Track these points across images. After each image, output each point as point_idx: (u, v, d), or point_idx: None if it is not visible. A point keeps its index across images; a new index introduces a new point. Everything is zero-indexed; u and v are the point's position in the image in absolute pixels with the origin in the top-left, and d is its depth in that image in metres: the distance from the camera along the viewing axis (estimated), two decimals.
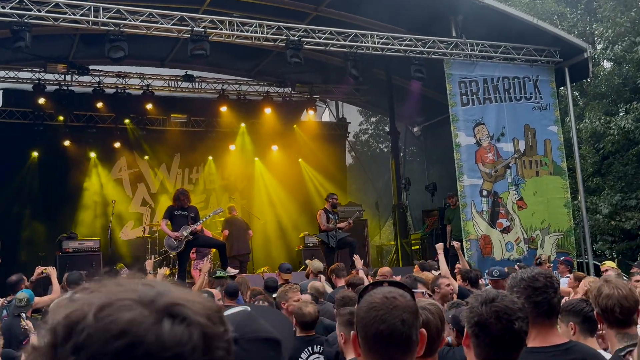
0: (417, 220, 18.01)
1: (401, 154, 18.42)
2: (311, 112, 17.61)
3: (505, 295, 2.22)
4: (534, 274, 2.64)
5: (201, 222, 10.45)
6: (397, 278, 7.24)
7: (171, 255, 12.11)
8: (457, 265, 8.74)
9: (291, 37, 11.40)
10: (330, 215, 11.90)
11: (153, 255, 11.65)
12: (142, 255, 13.84)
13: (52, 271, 7.42)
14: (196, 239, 10.70)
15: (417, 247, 15.92)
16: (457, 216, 12.84)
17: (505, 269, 8.46)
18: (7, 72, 14.71)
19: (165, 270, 7.99)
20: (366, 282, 6.68)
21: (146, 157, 16.33)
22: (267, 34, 11.23)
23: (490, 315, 2.13)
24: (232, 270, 11.15)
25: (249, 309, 1.29)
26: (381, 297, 1.81)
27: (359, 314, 1.83)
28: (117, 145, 15.81)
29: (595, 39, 19.54)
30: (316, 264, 9.25)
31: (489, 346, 2.11)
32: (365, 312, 1.81)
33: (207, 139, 16.81)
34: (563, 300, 3.33)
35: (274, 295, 7.45)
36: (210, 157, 16.94)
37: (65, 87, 15.07)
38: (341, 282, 8.00)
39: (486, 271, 8.59)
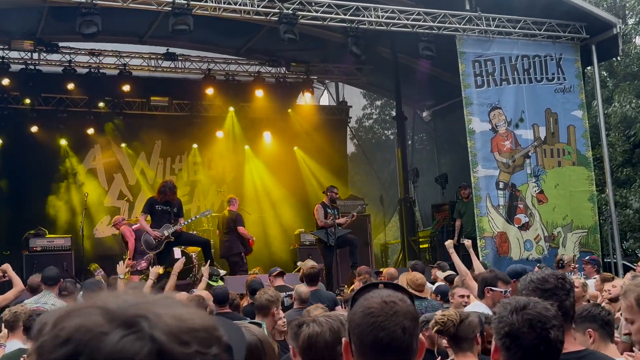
0: (426, 216, 18.01)
1: (409, 142, 18.42)
2: (308, 94, 17.60)
3: (537, 301, 2.22)
4: (545, 275, 2.68)
5: (185, 223, 10.50)
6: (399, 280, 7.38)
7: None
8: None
9: (285, 11, 11.39)
10: (329, 210, 11.96)
11: (125, 258, 11.74)
12: (119, 255, 13.86)
13: (6, 267, 7.65)
14: (180, 237, 10.75)
15: (425, 245, 15.98)
16: (470, 210, 12.90)
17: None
18: None
19: (158, 269, 8.03)
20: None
21: (123, 145, 16.32)
22: (258, 6, 11.23)
23: (523, 325, 2.12)
24: (220, 271, 11.21)
25: None
26: (379, 301, 1.81)
27: (353, 319, 1.82)
28: (90, 131, 15.81)
29: (627, 12, 19.51)
30: (309, 264, 9.37)
31: (522, 359, 2.10)
32: (361, 318, 1.80)
33: (192, 125, 16.80)
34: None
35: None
36: (195, 145, 16.94)
37: (32, 67, 15.04)
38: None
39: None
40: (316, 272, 8.00)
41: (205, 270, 8.38)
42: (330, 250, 11.73)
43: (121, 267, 8.05)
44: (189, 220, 10.70)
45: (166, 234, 10.35)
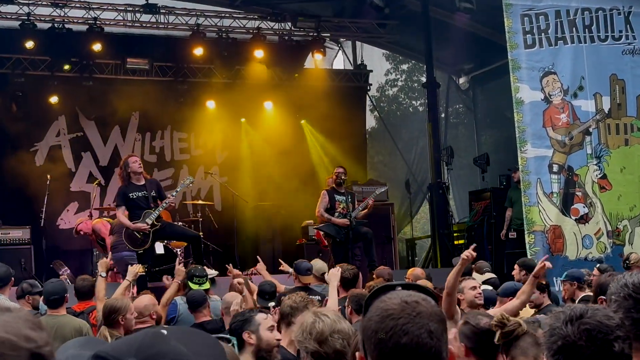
0: (463, 205, 18.02)
1: (442, 115, 18.37)
2: (319, 56, 17.54)
3: (596, 309, 2.22)
4: None
5: (169, 201, 10.57)
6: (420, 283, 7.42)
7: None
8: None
9: None
10: (338, 197, 12.01)
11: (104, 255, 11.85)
12: (89, 249, 13.96)
13: None
14: (164, 230, 10.80)
15: (461, 241, 15.99)
16: (520, 199, 12.89)
17: (584, 272, 8.53)
18: None
19: (137, 268, 8.12)
20: None
21: (93, 117, 16.40)
22: None
23: (580, 337, 2.13)
24: (210, 272, 11.27)
25: (163, 330, 1.43)
26: (399, 302, 1.85)
27: (368, 326, 1.86)
28: (53, 100, 15.85)
29: None
30: (318, 264, 9.42)
31: None
32: (378, 322, 1.84)
33: (176, 93, 16.83)
34: None
35: (272, 304, 7.59)
36: (180, 118, 17.00)
37: None
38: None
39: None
40: (352, 277, 8.01)
41: (178, 272, 8.37)
42: (341, 247, 11.79)
43: (103, 263, 8.04)
44: (173, 195, 10.83)
45: (149, 222, 10.40)
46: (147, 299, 6.82)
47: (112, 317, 6.22)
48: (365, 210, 12.18)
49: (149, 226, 10.39)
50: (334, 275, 7.20)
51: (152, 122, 16.92)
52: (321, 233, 12.89)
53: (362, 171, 18.06)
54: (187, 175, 16.95)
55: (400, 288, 1.96)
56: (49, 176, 13.94)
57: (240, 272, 8.49)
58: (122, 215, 10.59)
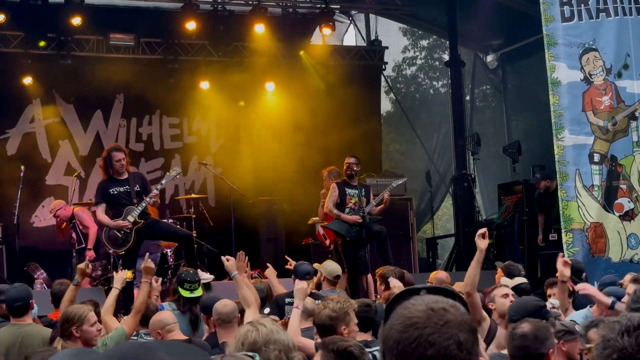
0: (490, 200, 17.93)
1: (467, 97, 18.31)
2: (327, 30, 17.45)
3: None
4: None
5: (153, 196, 10.55)
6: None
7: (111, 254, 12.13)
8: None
9: None
10: (350, 191, 11.92)
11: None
12: (67, 250, 13.84)
13: None
14: (151, 228, 10.72)
15: (489, 240, 15.86)
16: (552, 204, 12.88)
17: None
18: None
19: (126, 274, 8.16)
20: None
21: (72, 101, 16.35)
22: None
23: (639, 349, 2.13)
24: (205, 276, 11.17)
25: (149, 343, 1.46)
26: (424, 309, 1.88)
27: (389, 335, 1.89)
28: (27, 81, 15.77)
29: None
30: (330, 266, 9.50)
31: None
32: (401, 332, 1.86)
33: (166, 73, 16.78)
34: None
35: (266, 310, 7.46)
36: (171, 101, 16.96)
37: None
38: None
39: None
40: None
41: (146, 269, 8.06)
42: (353, 247, 11.76)
43: (81, 270, 7.90)
44: (157, 189, 10.82)
45: (132, 219, 10.45)
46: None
47: (65, 328, 6.10)
48: (381, 206, 12.15)
49: (131, 224, 10.41)
50: (300, 290, 6.83)
51: (138, 106, 16.86)
52: (321, 232, 12.85)
53: (377, 161, 17.97)
54: (178, 166, 16.94)
55: (425, 292, 2.01)
56: (22, 167, 13.81)
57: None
58: (102, 213, 10.68)
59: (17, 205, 13.29)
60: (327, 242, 12.75)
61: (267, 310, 8.01)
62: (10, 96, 15.86)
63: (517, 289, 8.41)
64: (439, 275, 9.83)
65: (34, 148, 16.05)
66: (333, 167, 13.11)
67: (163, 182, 11.15)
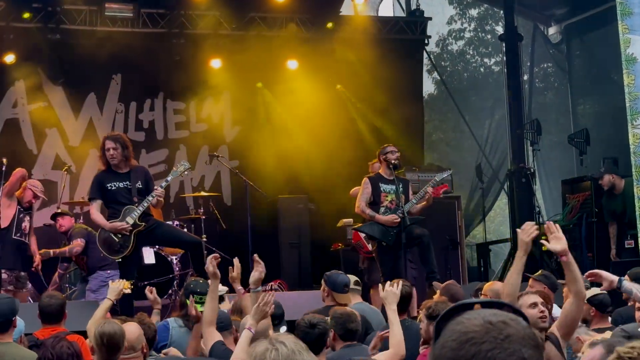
0: (553, 198, 17.84)
1: (525, 77, 18.19)
2: (359, 0, 17.38)
3: None
4: None
5: (156, 194, 10.50)
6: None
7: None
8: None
9: None
10: (385, 187, 11.86)
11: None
12: (55, 258, 13.85)
13: None
14: (153, 232, 10.71)
15: (539, 236, 15.85)
16: (629, 196, 12.81)
17: None
18: None
19: (122, 284, 8.12)
20: None
21: (61, 82, 16.41)
22: None
23: None
24: (220, 288, 11.18)
25: None
26: (480, 322, 1.92)
27: (442, 354, 1.92)
28: (8, 59, 15.81)
29: None
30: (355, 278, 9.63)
31: None
32: (457, 348, 1.90)
33: (170, 49, 16.80)
34: None
35: (283, 328, 7.50)
36: (176, 83, 16.90)
37: None
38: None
39: None
40: (406, 296, 8.01)
41: (113, 287, 8.13)
42: (390, 253, 11.71)
43: (117, 289, 8.03)
44: (162, 187, 10.77)
45: (131, 221, 10.42)
46: (136, 328, 6.68)
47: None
48: (423, 203, 12.03)
49: (130, 226, 10.37)
50: (391, 294, 7.09)
51: (138, 88, 16.93)
52: (362, 235, 12.74)
53: (418, 152, 17.92)
54: (184, 159, 16.93)
55: (479, 307, 2.03)
56: (4, 160, 13.83)
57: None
58: (96, 211, 10.61)
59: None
60: (370, 245, 12.66)
61: (283, 328, 7.98)
62: None
63: (594, 301, 8.38)
64: (494, 287, 9.68)
65: (17, 137, 16.07)
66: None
67: (168, 178, 11.07)
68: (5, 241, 12.18)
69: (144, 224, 10.48)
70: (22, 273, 12.45)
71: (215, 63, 17.02)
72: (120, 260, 10.62)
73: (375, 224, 11.76)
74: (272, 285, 13.67)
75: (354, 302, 9.14)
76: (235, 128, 17.49)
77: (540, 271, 9.79)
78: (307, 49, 17.29)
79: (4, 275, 12.07)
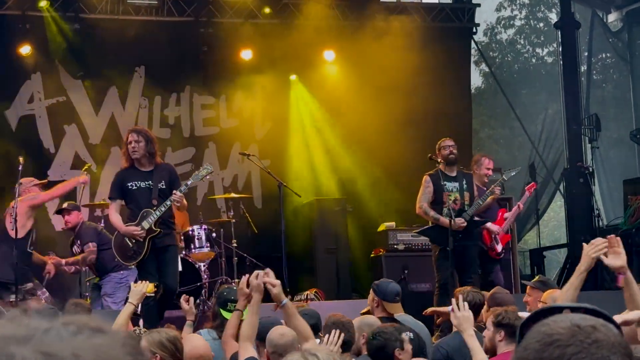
0: (614, 200, 17.73)
1: (582, 68, 18.06)
2: None
3: None
4: None
5: (176, 197, 10.43)
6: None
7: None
8: None
9: None
10: (448, 184, 11.89)
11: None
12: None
13: None
14: (160, 251, 10.73)
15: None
16: None
17: None
18: None
19: (146, 286, 8.08)
20: None
21: (80, 75, 16.46)
22: None
23: None
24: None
25: None
26: (567, 325, 1.93)
27: (524, 357, 1.95)
28: (24, 50, 15.91)
29: None
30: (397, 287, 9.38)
31: None
32: (540, 350, 1.91)
33: (198, 40, 16.87)
34: None
35: (317, 341, 7.64)
36: (204, 76, 17.03)
37: None
38: None
39: None
40: (479, 305, 8.07)
41: (135, 290, 8.12)
42: (453, 259, 11.62)
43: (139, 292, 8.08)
44: (182, 191, 10.66)
45: (146, 226, 10.43)
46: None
47: None
48: (482, 203, 12.12)
49: (144, 232, 10.39)
50: (465, 320, 6.86)
51: (164, 82, 16.95)
52: (493, 233, 12.76)
53: (466, 150, 17.76)
54: (214, 158, 17.01)
55: (568, 312, 2.06)
56: (20, 159, 13.89)
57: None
58: (114, 212, 10.71)
59: (15, 207, 13.27)
60: (499, 246, 12.64)
61: (317, 341, 8.03)
62: (4, 70, 16.02)
63: None
64: (555, 294, 9.67)
65: (33, 135, 16.13)
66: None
67: (189, 182, 10.98)
68: (20, 252, 12.23)
69: (160, 230, 10.49)
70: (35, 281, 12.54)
71: (246, 54, 17.05)
72: (134, 266, 10.79)
73: (437, 228, 11.77)
74: (307, 294, 13.66)
75: (398, 313, 9.12)
76: (267, 124, 17.51)
77: (537, 277, 9.82)
78: (345, 39, 17.30)
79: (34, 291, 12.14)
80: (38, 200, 12.21)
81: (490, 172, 12.44)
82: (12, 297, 11.50)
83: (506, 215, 12.99)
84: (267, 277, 7.33)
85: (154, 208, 10.42)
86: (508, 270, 15.22)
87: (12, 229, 11.88)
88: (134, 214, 10.55)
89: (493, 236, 12.66)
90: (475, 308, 7.86)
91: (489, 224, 12.45)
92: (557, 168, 18.23)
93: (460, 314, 6.94)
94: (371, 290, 9.12)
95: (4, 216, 12.65)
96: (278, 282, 7.41)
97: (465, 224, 11.62)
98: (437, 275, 11.66)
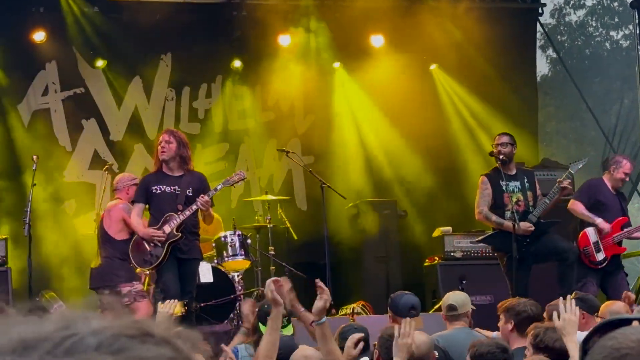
0: None
1: None
2: None
3: None
4: None
5: (203, 203, 10.56)
6: None
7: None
8: None
9: None
10: (509, 184, 11.85)
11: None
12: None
13: None
14: (183, 262, 10.89)
15: None
16: None
17: None
18: None
19: (173, 306, 8.18)
20: None
21: (100, 64, 16.51)
22: None
23: None
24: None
25: None
26: (638, 338, 1.91)
27: None
28: (39, 37, 15.95)
29: None
30: (461, 296, 9.62)
31: None
32: None
33: (230, 24, 16.93)
34: None
35: (365, 359, 7.48)
36: (237, 64, 17.05)
37: None
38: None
39: None
40: (534, 317, 8.08)
41: (161, 312, 8.18)
42: (522, 267, 11.58)
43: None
44: (209, 196, 10.80)
45: (167, 229, 10.62)
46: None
47: None
48: (550, 202, 12.01)
49: (165, 235, 10.52)
50: (570, 322, 6.81)
51: (192, 71, 17.00)
52: (592, 239, 12.60)
53: (532, 146, 17.69)
54: (249, 155, 17.02)
55: (638, 323, 2.02)
56: (34, 157, 13.94)
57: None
58: (136, 215, 10.99)
59: (28, 210, 13.35)
60: (600, 255, 12.45)
61: (365, 359, 8.00)
62: (16, 59, 16.05)
63: None
64: (614, 307, 9.62)
65: (47, 132, 16.15)
66: None
67: (218, 187, 11.16)
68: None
69: (181, 235, 10.64)
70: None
71: (284, 39, 17.05)
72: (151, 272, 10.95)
73: (501, 234, 11.74)
74: (354, 307, 13.60)
75: (454, 327, 9.21)
76: (308, 117, 17.52)
77: (574, 293, 9.67)
78: (396, 22, 17.15)
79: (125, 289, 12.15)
80: (130, 223, 12.11)
81: (627, 178, 12.24)
82: (126, 299, 11.66)
83: (628, 229, 12.72)
84: (275, 284, 7.30)
85: (179, 212, 10.60)
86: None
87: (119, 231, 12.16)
88: (155, 219, 10.77)
89: (594, 241, 12.46)
90: (529, 322, 7.87)
91: (599, 220, 12.21)
92: (635, 166, 18.06)
93: (567, 315, 6.86)
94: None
95: (102, 216, 12.85)
96: (327, 290, 7.34)
97: (532, 227, 11.52)
98: (510, 286, 11.61)
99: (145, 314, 11.41)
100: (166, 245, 10.56)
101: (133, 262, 11.05)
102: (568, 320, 6.80)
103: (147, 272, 11.36)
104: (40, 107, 16.36)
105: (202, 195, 10.59)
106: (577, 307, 7.04)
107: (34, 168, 13.35)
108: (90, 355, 1.38)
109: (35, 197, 13.82)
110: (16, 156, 15.35)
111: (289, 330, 8.72)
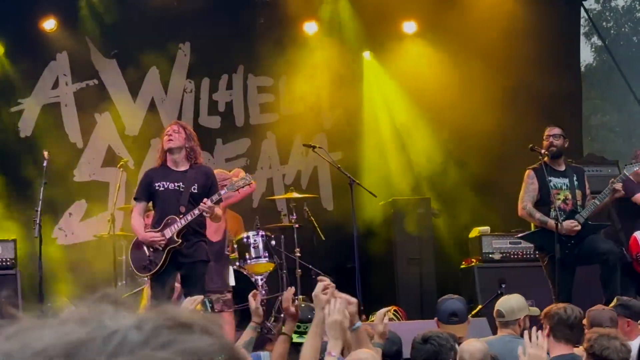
0: None
1: None
2: None
3: None
4: None
5: (208, 206, 10.43)
6: None
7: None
8: None
9: None
10: (556, 180, 11.83)
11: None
12: (110, 276, 13.96)
13: None
14: (187, 267, 10.79)
15: None
16: None
17: None
18: None
19: (194, 303, 8.00)
20: None
21: (114, 54, 16.52)
22: None
23: None
24: None
25: None
26: None
27: None
28: (49, 25, 16.00)
29: None
30: (510, 302, 9.51)
31: None
32: None
33: (252, 11, 16.99)
34: None
35: None
36: (261, 53, 16.97)
37: None
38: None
39: None
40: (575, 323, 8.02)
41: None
42: (566, 269, 11.54)
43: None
44: (214, 200, 10.66)
45: (168, 234, 10.56)
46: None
47: None
48: (606, 200, 11.90)
49: (165, 240, 10.49)
50: (535, 357, 6.64)
51: (212, 61, 17.04)
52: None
53: (576, 140, 17.55)
54: (273, 150, 16.95)
55: None
56: (45, 154, 13.91)
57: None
58: (137, 214, 10.97)
59: (39, 210, 13.27)
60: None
61: None
62: (24, 49, 16.07)
63: None
64: None
65: (58, 127, 16.18)
66: None
67: (222, 192, 11.01)
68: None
69: (181, 241, 10.53)
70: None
71: (310, 27, 17.12)
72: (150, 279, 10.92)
73: (546, 232, 11.63)
74: (386, 313, 13.50)
75: (500, 334, 9.20)
76: (336, 111, 17.46)
77: (615, 299, 9.53)
78: (429, 7, 17.17)
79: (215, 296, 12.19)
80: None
81: None
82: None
83: None
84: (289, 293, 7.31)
85: (180, 216, 10.50)
86: (624, 284, 15.00)
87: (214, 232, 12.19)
88: (159, 219, 10.70)
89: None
90: (567, 328, 7.87)
91: None
92: None
93: (532, 350, 6.63)
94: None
95: None
96: (355, 300, 7.23)
97: (578, 227, 11.46)
98: (553, 290, 11.49)
99: (229, 325, 11.59)
100: (166, 251, 10.50)
101: (132, 266, 11.06)
102: (533, 356, 6.58)
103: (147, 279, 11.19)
104: (50, 101, 16.42)
105: (205, 200, 10.44)
106: (546, 339, 7.00)
107: (44, 163, 13.30)
108: (144, 353, 1.40)
109: (48, 194, 13.71)
110: (25, 154, 15.26)
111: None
